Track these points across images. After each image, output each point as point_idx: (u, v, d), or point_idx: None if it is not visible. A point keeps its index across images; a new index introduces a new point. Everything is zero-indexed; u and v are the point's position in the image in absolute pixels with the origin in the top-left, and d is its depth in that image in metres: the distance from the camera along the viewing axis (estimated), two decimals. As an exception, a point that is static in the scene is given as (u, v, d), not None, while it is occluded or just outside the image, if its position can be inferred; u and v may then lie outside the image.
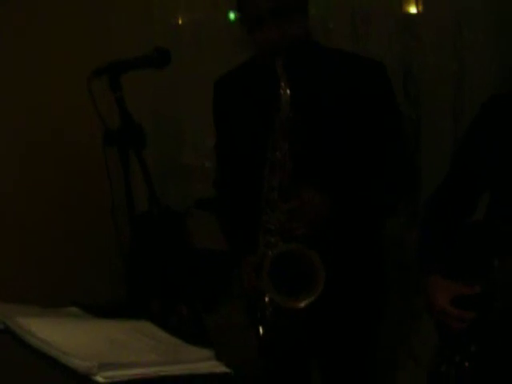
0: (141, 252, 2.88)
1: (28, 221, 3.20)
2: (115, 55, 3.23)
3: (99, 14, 3.38)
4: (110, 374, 1.15)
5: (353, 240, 2.10)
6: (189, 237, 3.09)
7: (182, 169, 3.29)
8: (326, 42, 2.72)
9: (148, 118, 3.22)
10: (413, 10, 2.65)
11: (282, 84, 1.94)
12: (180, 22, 3.30)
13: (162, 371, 1.20)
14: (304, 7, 2.05)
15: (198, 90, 3.14)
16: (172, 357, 1.26)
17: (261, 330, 2.04)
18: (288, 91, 1.94)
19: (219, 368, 1.26)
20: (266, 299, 2.00)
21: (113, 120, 1.75)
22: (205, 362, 1.27)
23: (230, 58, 3.08)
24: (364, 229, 2.12)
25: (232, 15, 3.09)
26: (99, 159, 1.78)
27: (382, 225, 2.26)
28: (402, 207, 2.67)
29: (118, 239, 1.94)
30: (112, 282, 3.32)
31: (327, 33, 2.81)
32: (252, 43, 2.05)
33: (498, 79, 2.52)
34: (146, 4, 3.35)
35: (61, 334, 1.25)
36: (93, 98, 1.73)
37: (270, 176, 1.99)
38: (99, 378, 1.14)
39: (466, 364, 1.84)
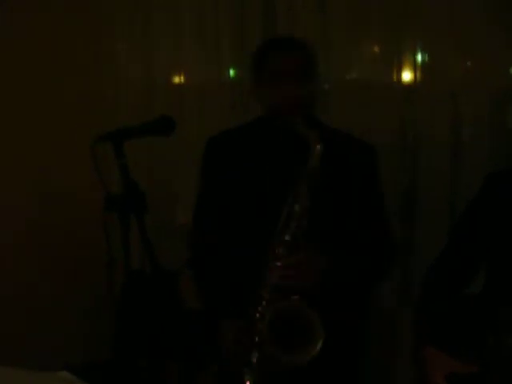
0: (131, 309, 2.86)
1: (22, 276, 3.19)
2: (118, 116, 3.32)
3: (101, 78, 3.43)
4: None
5: (340, 302, 2.12)
6: (181, 296, 3.07)
7: (177, 229, 3.29)
8: (324, 102, 2.82)
9: (142, 178, 3.22)
10: (410, 78, 2.70)
11: (312, 139, 1.98)
12: (181, 81, 3.34)
13: None
14: (316, 81, 2.15)
15: (194, 150, 3.16)
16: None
17: None
18: (319, 146, 1.97)
19: None
20: (254, 360, 1.98)
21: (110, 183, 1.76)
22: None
23: (227, 118, 3.13)
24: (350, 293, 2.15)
25: (233, 72, 3.13)
26: (96, 220, 1.78)
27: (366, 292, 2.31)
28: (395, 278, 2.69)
29: (111, 296, 1.94)
30: (102, 336, 3.29)
31: (325, 96, 2.86)
32: (267, 98, 2.10)
33: (495, 150, 2.57)
34: (146, 64, 3.38)
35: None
36: (96, 164, 1.74)
37: (283, 229, 1.99)
38: None
39: None
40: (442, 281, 2.04)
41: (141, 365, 2.85)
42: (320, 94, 2.55)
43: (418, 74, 2.67)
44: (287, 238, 1.98)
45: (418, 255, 2.70)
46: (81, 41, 3.34)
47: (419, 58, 2.66)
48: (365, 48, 2.75)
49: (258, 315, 1.99)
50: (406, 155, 2.77)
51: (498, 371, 1.79)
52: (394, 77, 2.72)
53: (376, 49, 2.73)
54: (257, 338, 1.97)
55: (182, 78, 3.32)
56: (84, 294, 3.32)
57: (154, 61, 3.36)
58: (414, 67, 2.68)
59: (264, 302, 1.99)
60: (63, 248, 3.30)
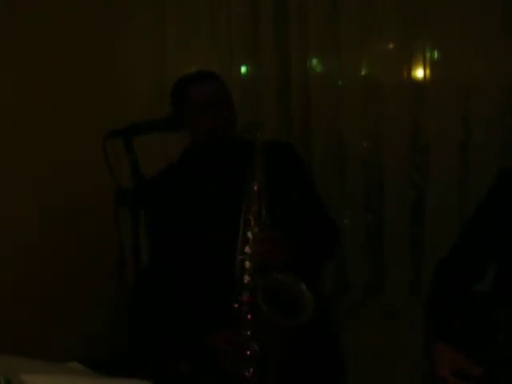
0: (143, 305, 2.87)
1: (35, 272, 3.21)
2: (129, 112, 3.33)
3: (114, 75, 3.45)
4: None
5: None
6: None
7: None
8: (335, 100, 2.84)
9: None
10: (421, 76, 2.70)
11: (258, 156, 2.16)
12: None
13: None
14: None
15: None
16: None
17: None
18: (258, 133, 2.17)
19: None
20: (247, 374, 2.10)
21: (120, 178, 1.78)
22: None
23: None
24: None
25: (244, 70, 3.15)
26: (109, 215, 1.80)
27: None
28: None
29: (123, 292, 1.96)
30: (114, 333, 3.31)
31: (335, 94, 2.87)
32: (198, 126, 2.25)
33: (505, 150, 2.56)
34: (159, 61, 3.40)
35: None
36: (107, 159, 1.76)
37: (247, 212, 2.13)
38: None
39: None
40: (452, 277, 2.05)
41: (152, 361, 2.86)
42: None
43: (430, 73, 2.67)
44: (252, 219, 2.12)
45: (428, 253, 2.70)
46: (93, 38, 3.35)
47: (431, 56, 2.65)
48: (376, 46, 2.75)
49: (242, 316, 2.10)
50: (417, 154, 2.77)
51: (507, 368, 1.80)
52: (406, 75, 2.72)
53: (388, 47, 2.73)
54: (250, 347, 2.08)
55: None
56: (96, 289, 3.34)
57: (166, 58, 3.37)
58: (426, 66, 2.67)
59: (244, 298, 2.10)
60: (74, 244, 3.32)
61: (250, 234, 2.12)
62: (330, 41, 2.85)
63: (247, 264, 2.11)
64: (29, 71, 3.14)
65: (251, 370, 2.10)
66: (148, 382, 1.49)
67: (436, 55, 2.65)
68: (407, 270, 2.79)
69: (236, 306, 2.12)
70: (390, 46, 2.73)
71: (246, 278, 2.11)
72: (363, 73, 2.81)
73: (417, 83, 2.73)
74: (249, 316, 2.10)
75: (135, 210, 1.75)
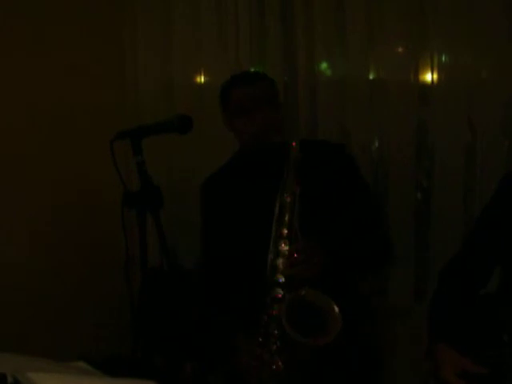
0: (149, 307, 2.88)
1: (42, 272, 3.23)
2: (136, 116, 3.35)
3: (123, 78, 3.47)
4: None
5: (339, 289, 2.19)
6: (198, 295, 3.09)
7: (195, 227, 3.33)
8: (342, 102, 2.84)
9: (163, 176, 3.26)
10: (428, 79, 2.70)
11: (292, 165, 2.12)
12: (202, 81, 3.37)
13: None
14: (279, 107, 2.32)
15: (213, 150, 3.19)
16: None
17: None
18: (295, 143, 2.12)
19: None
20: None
21: (129, 180, 1.80)
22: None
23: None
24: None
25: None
26: (114, 217, 1.82)
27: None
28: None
29: (129, 293, 1.97)
30: (119, 334, 3.32)
31: (342, 96, 2.87)
32: (241, 128, 2.28)
33: (511, 152, 2.56)
34: (165, 64, 3.42)
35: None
36: (115, 161, 1.77)
37: (279, 223, 2.09)
38: None
39: None
40: (458, 280, 2.05)
41: (156, 362, 2.88)
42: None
43: (437, 76, 2.67)
44: (285, 231, 2.08)
45: (433, 255, 2.70)
46: (102, 41, 3.38)
47: (438, 59, 2.65)
48: (382, 48, 2.75)
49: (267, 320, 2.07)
50: (424, 156, 2.78)
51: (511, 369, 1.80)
52: (413, 78, 2.72)
53: (395, 50, 2.73)
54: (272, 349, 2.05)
55: (202, 77, 3.36)
56: (102, 290, 3.36)
57: (174, 61, 3.40)
58: (433, 69, 2.67)
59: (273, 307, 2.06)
60: (82, 245, 3.34)
61: (281, 247, 2.07)
62: (337, 44, 2.86)
63: (279, 277, 2.07)
64: (40, 73, 3.17)
65: None
66: (153, 383, 1.50)
67: (443, 58, 2.65)
68: (412, 271, 2.79)
69: (265, 318, 2.08)
70: (398, 49, 2.73)
71: (278, 292, 2.06)
72: (370, 76, 2.82)
73: (424, 86, 2.72)
74: (276, 331, 2.05)
75: (142, 211, 1.76)
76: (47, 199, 3.23)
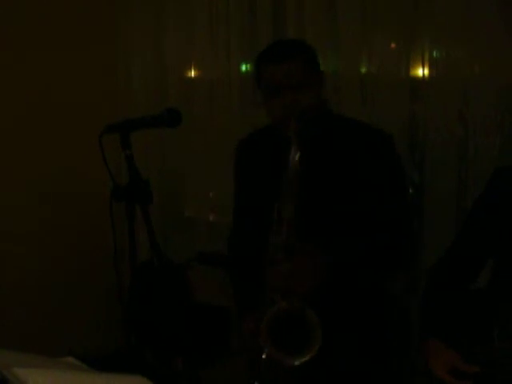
0: (139, 301, 2.88)
1: (29, 266, 3.22)
2: (129, 110, 3.34)
3: (112, 69, 3.45)
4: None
5: (352, 299, 2.15)
6: (189, 290, 3.09)
7: (185, 222, 3.32)
8: (333, 99, 2.81)
9: (153, 170, 3.25)
10: (420, 74, 2.69)
11: (293, 148, 1.99)
12: (193, 76, 3.36)
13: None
14: (318, 82, 2.15)
15: (202, 144, 3.18)
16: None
17: None
18: (297, 156, 1.99)
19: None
20: (264, 356, 2.00)
21: (119, 175, 1.78)
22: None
23: (238, 112, 3.15)
24: (361, 288, 2.17)
25: (244, 67, 3.15)
26: (105, 211, 1.80)
27: (380, 286, 2.29)
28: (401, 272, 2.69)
29: (118, 288, 1.96)
30: (109, 329, 3.31)
31: (335, 92, 2.86)
32: (268, 110, 2.15)
33: (503, 149, 2.56)
34: (158, 58, 3.41)
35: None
36: (103, 155, 1.76)
37: (275, 236, 2.01)
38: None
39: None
40: (449, 274, 2.05)
41: (147, 357, 2.87)
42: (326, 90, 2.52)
43: (429, 71, 2.66)
44: (281, 240, 1.99)
45: (426, 248, 2.69)
46: (94, 37, 3.37)
47: (430, 54, 2.65)
48: (374, 43, 2.74)
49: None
50: (416, 152, 2.77)
51: (502, 365, 1.80)
52: (404, 74, 2.71)
53: (386, 46, 2.72)
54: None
55: (193, 72, 3.35)
56: (92, 285, 3.35)
57: (166, 56, 3.39)
58: (425, 64, 2.67)
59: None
60: (72, 240, 3.33)
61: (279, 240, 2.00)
62: (329, 38, 2.85)
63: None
64: (33, 69, 3.16)
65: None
66: (143, 378, 1.49)
67: (435, 53, 2.64)
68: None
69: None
70: (389, 44, 2.72)
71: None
72: (362, 70, 2.81)
73: (415, 81, 2.72)
74: None
75: (131, 206, 1.74)
76: (36, 193, 3.22)
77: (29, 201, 3.19)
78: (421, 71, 2.68)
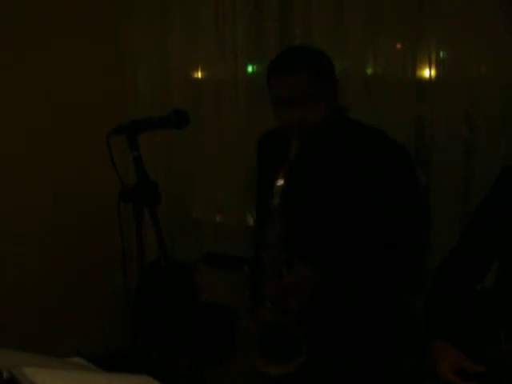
0: (146, 302, 2.89)
1: (38, 267, 3.23)
2: (135, 111, 3.35)
3: (120, 74, 3.46)
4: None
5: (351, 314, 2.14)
6: (195, 290, 3.10)
7: (193, 223, 3.32)
8: (340, 98, 2.82)
9: (161, 171, 3.26)
10: (425, 75, 2.69)
11: (282, 172, 1.99)
12: (199, 77, 3.37)
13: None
14: (329, 93, 2.09)
15: (209, 146, 3.19)
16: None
17: None
18: (282, 181, 1.98)
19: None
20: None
21: (127, 176, 1.79)
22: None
23: (244, 114, 3.16)
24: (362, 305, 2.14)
25: (250, 68, 3.15)
26: (113, 212, 1.82)
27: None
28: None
29: (125, 288, 1.97)
30: (117, 329, 3.32)
31: (341, 93, 2.86)
32: (277, 118, 2.14)
33: (509, 148, 2.56)
34: (164, 59, 3.41)
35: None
36: (111, 156, 1.77)
37: (268, 253, 2.02)
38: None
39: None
40: (454, 275, 2.05)
41: (153, 357, 2.87)
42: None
43: (435, 72, 2.66)
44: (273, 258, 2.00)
45: (432, 252, 2.69)
46: (99, 37, 3.37)
47: (436, 55, 2.65)
48: (380, 44, 2.75)
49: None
50: (422, 153, 2.77)
51: (508, 367, 1.79)
52: (411, 74, 2.71)
53: (391, 45, 2.73)
54: None
55: (199, 73, 3.36)
56: (99, 286, 3.36)
57: (172, 57, 3.39)
58: (431, 65, 2.67)
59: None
60: (79, 241, 3.34)
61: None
62: (335, 40, 2.85)
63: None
64: (39, 71, 3.17)
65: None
66: (150, 378, 1.50)
67: (441, 54, 2.64)
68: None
69: None
70: (395, 45, 2.72)
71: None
72: (368, 71, 2.81)
73: (421, 82, 2.72)
74: None
75: (139, 207, 1.75)
76: (45, 195, 3.23)
77: (36, 202, 3.20)
78: (427, 72, 2.68)
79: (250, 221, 3.15)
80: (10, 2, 3.12)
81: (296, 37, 2.93)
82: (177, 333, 2.37)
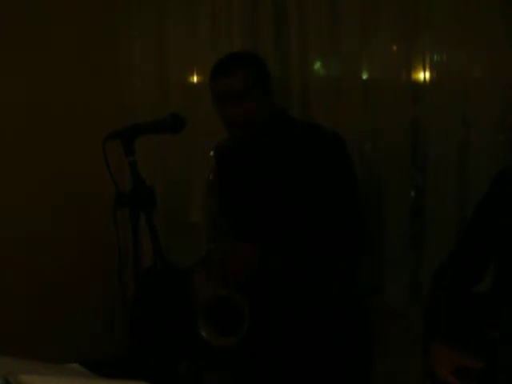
0: (143, 306, 2.88)
1: (35, 273, 3.23)
2: (131, 115, 3.35)
3: (117, 77, 3.46)
4: None
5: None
6: (192, 295, 3.09)
7: (189, 227, 3.31)
8: (335, 101, 2.85)
9: (156, 176, 3.26)
10: (421, 77, 2.70)
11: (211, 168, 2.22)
12: (196, 80, 3.37)
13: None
14: (262, 92, 2.28)
15: (207, 150, 3.18)
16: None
17: None
18: (212, 175, 2.23)
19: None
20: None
21: (125, 180, 1.79)
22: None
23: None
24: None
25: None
26: (109, 217, 1.81)
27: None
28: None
29: (122, 293, 1.97)
30: (115, 335, 3.32)
31: (335, 96, 2.87)
32: (222, 121, 2.32)
33: (505, 150, 2.56)
34: (160, 63, 3.41)
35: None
36: (107, 161, 1.77)
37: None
38: None
39: None
40: (452, 278, 2.05)
41: (150, 363, 2.87)
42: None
43: (430, 74, 2.67)
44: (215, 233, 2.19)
45: (428, 254, 2.70)
46: (96, 41, 3.37)
47: (431, 57, 2.65)
48: (375, 47, 2.75)
49: None
50: (418, 154, 2.77)
51: (504, 369, 1.80)
52: (406, 76, 2.72)
53: (386, 48, 2.73)
54: None
55: (196, 77, 3.36)
56: (96, 291, 3.35)
57: (168, 60, 3.40)
58: (426, 67, 2.67)
59: None
60: (76, 246, 3.34)
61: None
62: (330, 43, 2.86)
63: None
64: (36, 74, 3.17)
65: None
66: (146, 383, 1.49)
67: (436, 57, 2.65)
68: (407, 270, 2.78)
69: None
70: (390, 48, 2.73)
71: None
72: (364, 75, 2.82)
73: (417, 85, 2.72)
74: None
75: (135, 212, 1.75)
76: (41, 199, 3.23)
77: (31, 208, 3.19)
78: (422, 74, 2.69)
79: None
80: (10, 2, 3.12)
81: (291, 39, 2.94)
82: (174, 337, 2.37)
